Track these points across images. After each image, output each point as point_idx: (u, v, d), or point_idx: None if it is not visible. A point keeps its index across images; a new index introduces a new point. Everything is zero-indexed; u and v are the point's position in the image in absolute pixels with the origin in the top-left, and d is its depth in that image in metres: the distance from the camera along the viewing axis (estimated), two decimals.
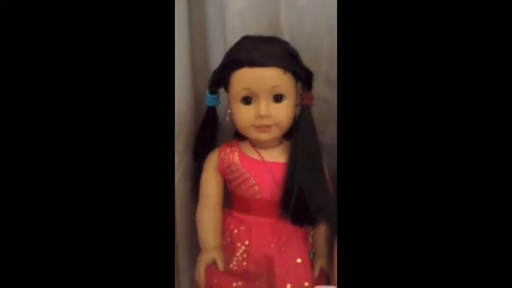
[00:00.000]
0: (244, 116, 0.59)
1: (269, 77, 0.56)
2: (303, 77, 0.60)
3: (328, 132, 0.71)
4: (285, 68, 0.57)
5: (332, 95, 0.70)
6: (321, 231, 0.64)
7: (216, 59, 0.71)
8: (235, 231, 0.63)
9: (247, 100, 0.58)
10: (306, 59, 0.63)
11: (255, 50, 0.57)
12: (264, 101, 0.57)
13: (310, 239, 0.64)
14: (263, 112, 0.57)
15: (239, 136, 0.64)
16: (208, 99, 0.65)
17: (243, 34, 0.65)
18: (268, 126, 0.59)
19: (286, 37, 0.67)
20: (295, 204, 0.58)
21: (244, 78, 0.57)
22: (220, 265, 0.57)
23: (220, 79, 0.61)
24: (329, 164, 0.66)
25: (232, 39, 0.65)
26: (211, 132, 0.67)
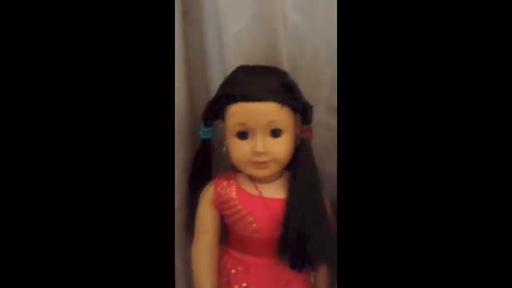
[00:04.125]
0: (240, 151, 0.56)
1: (265, 112, 0.53)
2: (302, 110, 0.57)
3: (330, 160, 0.68)
4: (282, 102, 0.53)
5: (335, 122, 0.67)
6: (323, 273, 0.61)
7: (215, 81, 0.68)
8: (233, 271, 0.60)
9: (243, 135, 0.55)
10: (306, 85, 0.60)
11: (250, 83, 0.53)
12: (260, 136, 0.54)
13: (312, 279, 0.61)
14: (260, 149, 0.54)
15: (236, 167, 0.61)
16: (202, 131, 0.62)
17: (241, 56, 0.63)
18: (265, 162, 0.55)
19: (284, 61, 0.64)
20: (294, 249, 0.55)
21: (240, 113, 0.54)
22: None
23: (215, 112, 0.58)
24: (330, 193, 0.63)
25: (230, 61, 0.62)
26: (206, 164, 0.64)
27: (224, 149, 0.60)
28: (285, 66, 0.63)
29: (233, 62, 0.62)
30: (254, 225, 0.58)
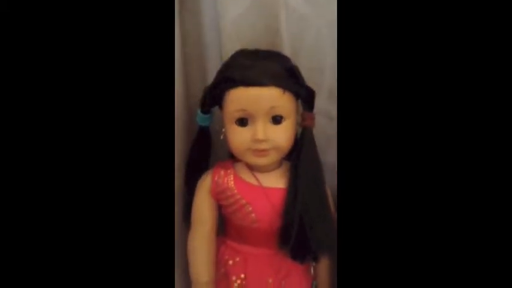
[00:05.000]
0: (239, 138, 0.54)
1: (267, 98, 0.51)
2: (304, 96, 0.55)
3: (330, 150, 0.66)
4: (285, 87, 0.51)
5: (336, 110, 0.66)
6: (324, 264, 0.59)
7: (212, 68, 0.65)
8: (230, 262, 0.58)
9: (242, 122, 0.53)
10: (308, 72, 0.58)
11: (251, 67, 0.51)
12: (261, 123, 0.52)
13: (312, 270, 0.59)
14: (260, 136, 0.52)
15: (234, 156, 0.59)
16: (199, 118, 0.59)
17: (239, 42, 0.60)
18: (265, 150, 0.53)
19: (285, 47, 0.62)
20: (295, 239, 0.53)
21: (240, 98, 0.52)
22: None
23: (214, 98, 0.55)
24: (331, 183, 0.61)
25: (228, 48, 0.60)
26: (203, 153, 0.62)
27: (222, 136, 0.58)
28: (286, 52, 0.61)
29: (231, 48, 0.60)
30: (253, 215, 0.56)
